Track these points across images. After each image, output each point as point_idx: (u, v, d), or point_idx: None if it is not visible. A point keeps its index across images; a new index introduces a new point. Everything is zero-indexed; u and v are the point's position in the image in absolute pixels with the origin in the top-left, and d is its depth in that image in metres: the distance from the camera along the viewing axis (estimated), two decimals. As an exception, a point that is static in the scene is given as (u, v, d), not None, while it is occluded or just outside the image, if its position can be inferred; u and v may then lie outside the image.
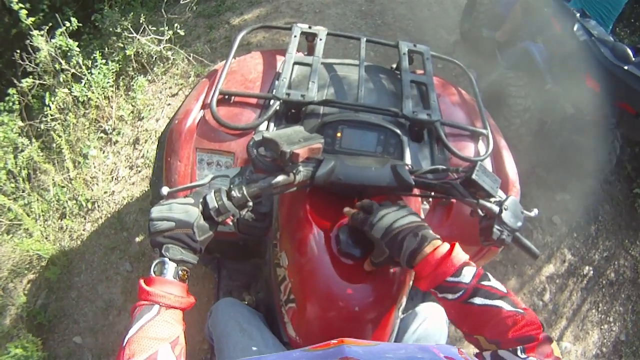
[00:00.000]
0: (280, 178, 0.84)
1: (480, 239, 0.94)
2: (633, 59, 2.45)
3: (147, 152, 2.95)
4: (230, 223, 0.86)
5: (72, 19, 2.78)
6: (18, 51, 2.67)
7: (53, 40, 2.69)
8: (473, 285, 0.74)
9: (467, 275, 0.75)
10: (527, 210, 0.98)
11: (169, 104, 3.23)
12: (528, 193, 3.08)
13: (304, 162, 0.89)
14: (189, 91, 3.08)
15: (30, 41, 2.66)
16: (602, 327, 2.69)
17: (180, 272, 0.79)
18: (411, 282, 1.00)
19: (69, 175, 2.68)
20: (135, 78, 3.15)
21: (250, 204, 0.83)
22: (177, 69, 3.38)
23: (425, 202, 1.27)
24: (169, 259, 0.79)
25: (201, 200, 0.81)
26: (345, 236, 0.91)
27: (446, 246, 0.80)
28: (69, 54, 2.73)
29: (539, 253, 0.95)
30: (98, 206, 2.68)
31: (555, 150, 3.07)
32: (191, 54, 3.40)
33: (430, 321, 1.16)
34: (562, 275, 2.82)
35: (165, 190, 0.85)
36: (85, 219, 2.64)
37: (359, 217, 0.88)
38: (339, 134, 1.13)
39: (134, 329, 0.71)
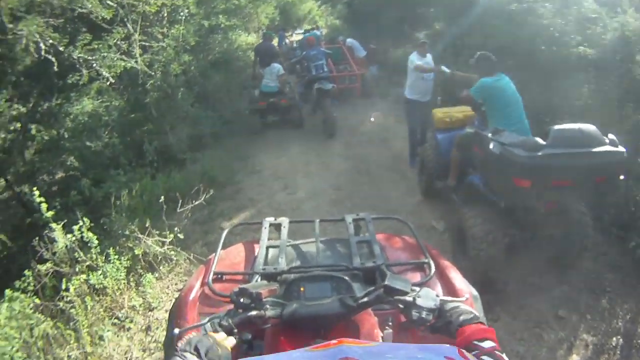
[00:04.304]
0: (254, 312, 1.22)
1: (412, 325, 1.23)
2: (544, 143, 2.83)
3: (159, 337, 2.85)
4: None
5: (85, 219, 3.04)
6: (37, 238, 2.84)
7: (70, 235, 2.89)
8: (488, 350, 0.93)
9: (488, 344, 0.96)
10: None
11: (176, 298, 3.25)
12: (528, 304, 3.15)
13: (272, 305, 1.27)
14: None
15: (48, 232, 2.87)
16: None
17: None
18: None
19: (84, 351, 2.48)
20: (144, 275, 3.25)
21: (235, 330, 1.17)
22: (181, 268, 3.60)
23: (387, 328, 1.50)
24: None
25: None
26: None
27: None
28: (89, 244, 2.89)
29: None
30: (114, 379, 2.36)
31: (535, 253, 3.30)
32: (191, 254, 3.66)
33: None
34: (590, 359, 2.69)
35: (176, 330, 1.18)
36: (100, 388, 2.29)
37: None
38: (302, 289, 1.47)
39: None
